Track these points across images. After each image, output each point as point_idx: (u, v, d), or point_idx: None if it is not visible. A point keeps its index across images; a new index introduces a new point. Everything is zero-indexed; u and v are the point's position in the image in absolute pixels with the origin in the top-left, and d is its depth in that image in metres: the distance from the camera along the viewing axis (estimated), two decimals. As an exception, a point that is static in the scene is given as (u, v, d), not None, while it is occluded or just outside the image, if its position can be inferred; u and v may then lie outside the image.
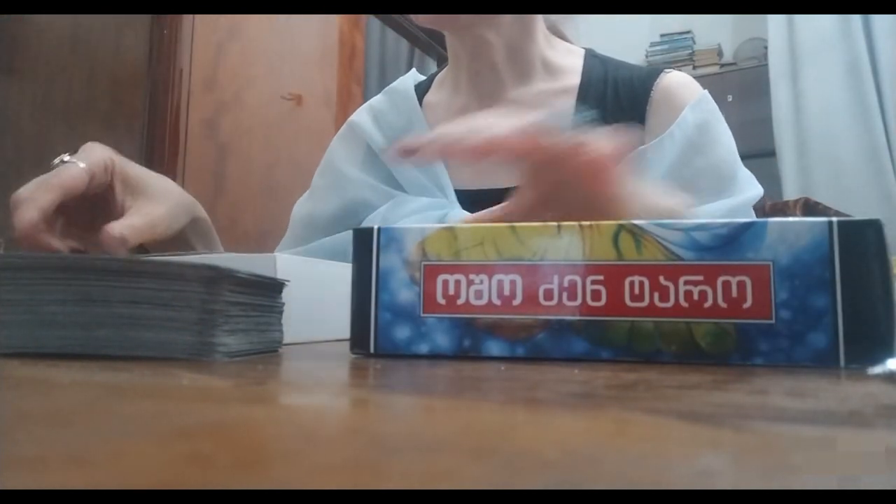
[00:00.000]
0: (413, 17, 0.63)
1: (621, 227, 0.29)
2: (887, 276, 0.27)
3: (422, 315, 0.30)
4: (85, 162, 0.51)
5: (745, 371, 0.25)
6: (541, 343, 0.29)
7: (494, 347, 0.30)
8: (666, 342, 0.28)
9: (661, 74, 0.66)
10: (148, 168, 0.57)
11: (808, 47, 2.76)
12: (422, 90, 0.75)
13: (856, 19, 2.65)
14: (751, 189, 0.60)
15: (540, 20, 0.69)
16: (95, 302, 0.27)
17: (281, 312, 0.33)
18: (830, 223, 0.27)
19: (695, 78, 0.68)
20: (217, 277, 0.27)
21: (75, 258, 0.28)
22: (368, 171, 0.69)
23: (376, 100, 0.76)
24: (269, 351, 0.32)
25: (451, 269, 0.30)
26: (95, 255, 0.46)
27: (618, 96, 0.65)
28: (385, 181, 0.67)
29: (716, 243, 0.28)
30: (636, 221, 0.29)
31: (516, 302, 0.30)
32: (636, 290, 0.28)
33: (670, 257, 0.28)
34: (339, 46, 2.46)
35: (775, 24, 2.86)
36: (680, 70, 0.70)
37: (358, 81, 2.56)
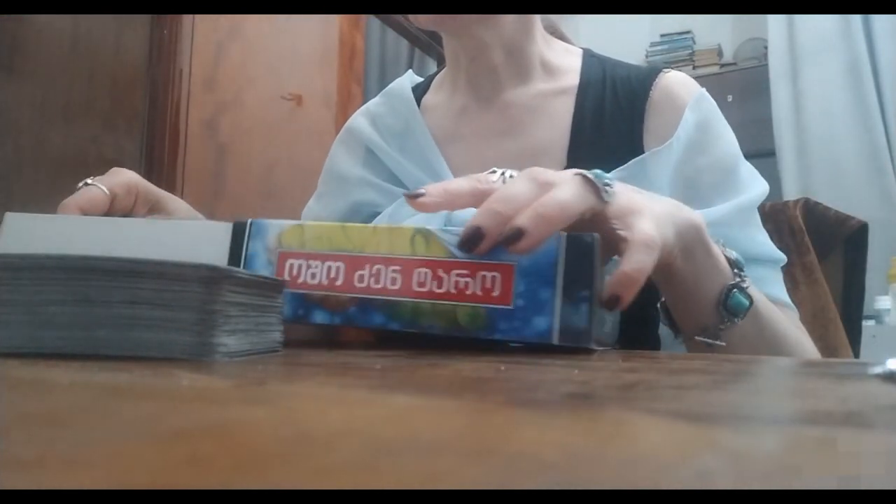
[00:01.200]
0: (411, 18, 0.63)
1: (417, 230, 0.37)
2: (593, 279, 0.35)
3: None
4: (107, 185, 0.53)
5: (744, 371, 0.25)
6: (352, 315, 0.37)
7: (319, 316, 0.38)
8: (437, 319, 0.36)
9: (660, 74, 0.65)
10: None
11: (808, 47, 2.76)
12: (420, 91, 0.75)
13: (856, 19, 2.65)
14: (756, 186, 0.60)
15: (538, 20, 0.68)
16: (95, 302, 0.27)
17: (281, 312, 0.33)
18: (559, 237, 0.35)
19: (695, 78, 0.67)
20: (217, 277, 0.27)
21: (75, 258, 0.28)
22: (370, 171, 0.69)
23: (373, 103, 0.76)
24: (269, 351, 0.32)
25: (297, 255, 0.39)
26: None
27: (616, 96, 0.65)
28: (387, 180, 0.67)
29: None
30: (429, 227, 0.37)
31: (338, 283, 0.38)
32: (421, 279, 0.37)
33: (448, 255, 0.36)
34: (339, 46, 2.46)
35: (775, 24, 2.86)
36: (679, 70, 0.70)
37: (358, 81, 2.56)
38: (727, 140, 0.63)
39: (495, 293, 0.36)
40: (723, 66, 3.17)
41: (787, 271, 0.77)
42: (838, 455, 0.12)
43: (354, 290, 0.37)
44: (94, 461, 0.10)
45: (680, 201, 0.59)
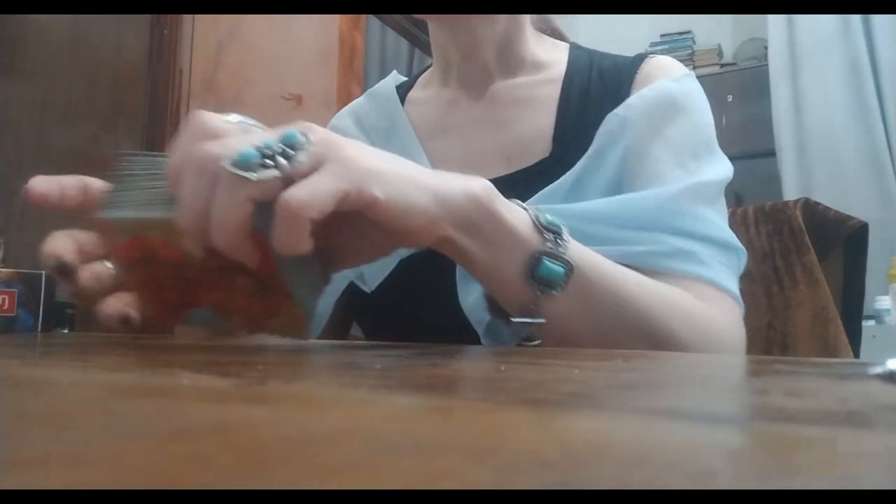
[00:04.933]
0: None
1: None
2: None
3: None
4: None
5: (745, 371, 0.25)
6: None
7: None
8: None
9: (646, 59, 0.66)
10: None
11: (808, 47, 2.76)
12: (404, 89, 0.75)
13: (856, 19, 2.65)
14: (722, 167, 0.58)
15: (528, 17, 0.69)
16: None
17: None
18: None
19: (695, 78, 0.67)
20: None
21: None
22: None
23: (357, 103, 0.76)
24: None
25: None
26: None
27: (603, 82, 0.65)
28: None
29: None
30: None
31: None
32: None
33: None
34: (339, 46, 2.46)
35: (775, 24, 2.87)
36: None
37: (358, 81, 2.56)
38: (707, 117, 0.62)
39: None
40: (723, 66, 3.18)
41: (788, 271, 0.77)
42: (838, 455, 0.12)
43: None
44: (94, 460, 0.10)
45: (644, 159, 0.57)
